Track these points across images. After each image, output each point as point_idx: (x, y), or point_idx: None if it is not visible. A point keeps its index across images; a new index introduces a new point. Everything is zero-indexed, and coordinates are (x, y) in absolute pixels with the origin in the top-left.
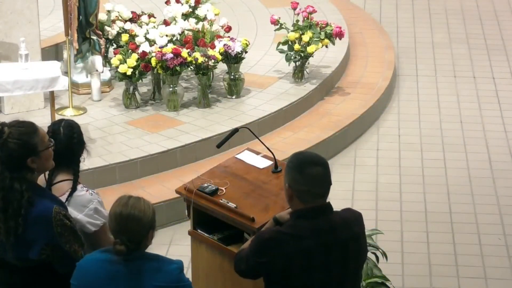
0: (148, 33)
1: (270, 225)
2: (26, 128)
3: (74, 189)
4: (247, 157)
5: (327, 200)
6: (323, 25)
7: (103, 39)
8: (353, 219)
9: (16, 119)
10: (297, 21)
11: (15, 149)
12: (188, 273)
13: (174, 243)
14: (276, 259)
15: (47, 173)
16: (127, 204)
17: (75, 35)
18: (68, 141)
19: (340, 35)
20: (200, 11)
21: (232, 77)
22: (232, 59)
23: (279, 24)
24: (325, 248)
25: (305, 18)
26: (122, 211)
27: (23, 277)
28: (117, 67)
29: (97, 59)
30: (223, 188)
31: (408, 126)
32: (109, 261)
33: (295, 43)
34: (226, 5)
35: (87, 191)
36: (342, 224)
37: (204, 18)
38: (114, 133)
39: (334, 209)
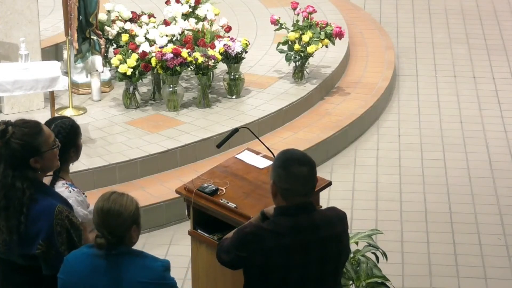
0: (148, 33)
1: (257, 218)
2: (29, 129)
3: (52, 184)
4: (247, 157)
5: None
6: (323, 25)
7: (103, 39)
8: (336, 219)
9: (22, 118)
10: (297, 21)
11: (17, 149)
12: (188, 273)
13: (174, 243)
14: (255, 255)
15: None
16: (108, 199)
17: (75, 35)
18: None
19: (340, 35)
20: (200, 11)
21: (232, 77)
22: (232, 59)
23: (279, 24)
24: (304, 246)
25: (305, 18)
26: (104, 206)
27: (26, 276)
28: (117, 67)
29: (97, 59)
30: (223, 188)
31: (408, 126)
32: (93, 255)
33: (295, 43)
34: (226, 5)
35: (66, 188)
36: (323, 223)
37: (204, 18)
38: (114, 133)
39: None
